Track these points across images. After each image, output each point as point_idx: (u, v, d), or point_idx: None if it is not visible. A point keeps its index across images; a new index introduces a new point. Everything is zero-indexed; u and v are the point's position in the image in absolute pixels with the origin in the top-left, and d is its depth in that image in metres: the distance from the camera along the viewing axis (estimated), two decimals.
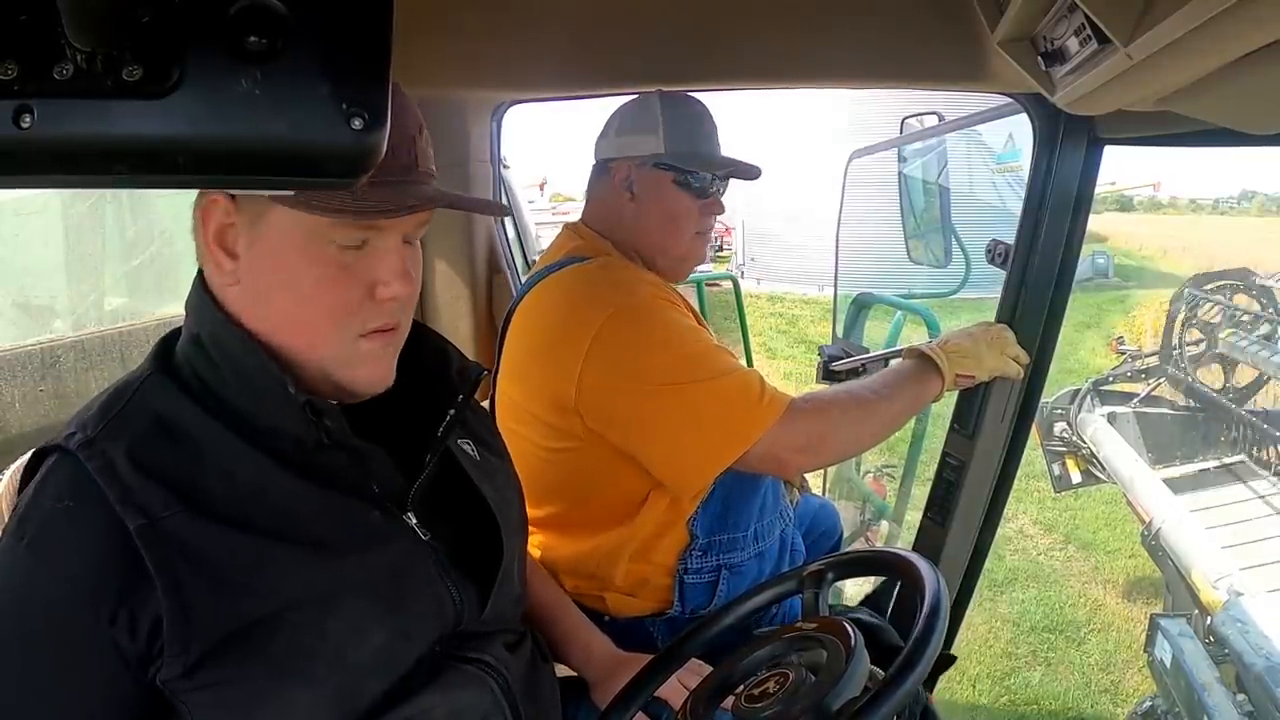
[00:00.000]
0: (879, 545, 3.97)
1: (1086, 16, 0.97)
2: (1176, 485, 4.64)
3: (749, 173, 1.96)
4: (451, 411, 1.20)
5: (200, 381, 1.07)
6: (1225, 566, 3.66)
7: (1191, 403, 5.47)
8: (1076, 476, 5.56)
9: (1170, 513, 4.13)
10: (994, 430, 2.00)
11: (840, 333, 4.19)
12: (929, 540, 2.12)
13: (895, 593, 2.13)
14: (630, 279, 1.79)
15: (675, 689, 1.42)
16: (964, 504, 2.05)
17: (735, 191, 2.03)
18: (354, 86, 0.58)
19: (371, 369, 1.12)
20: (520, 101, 2.44)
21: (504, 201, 2.65)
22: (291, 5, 0.57)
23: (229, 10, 0.56)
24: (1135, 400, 5.66)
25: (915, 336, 3.19)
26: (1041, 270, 1.91)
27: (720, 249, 19.00)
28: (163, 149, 0.58)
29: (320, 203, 0.99)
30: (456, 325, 2.48)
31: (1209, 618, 3.60)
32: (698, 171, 1.89)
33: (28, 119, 0.55)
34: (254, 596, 0.99)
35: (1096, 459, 5.28)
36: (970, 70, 1.69)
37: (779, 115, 15.30)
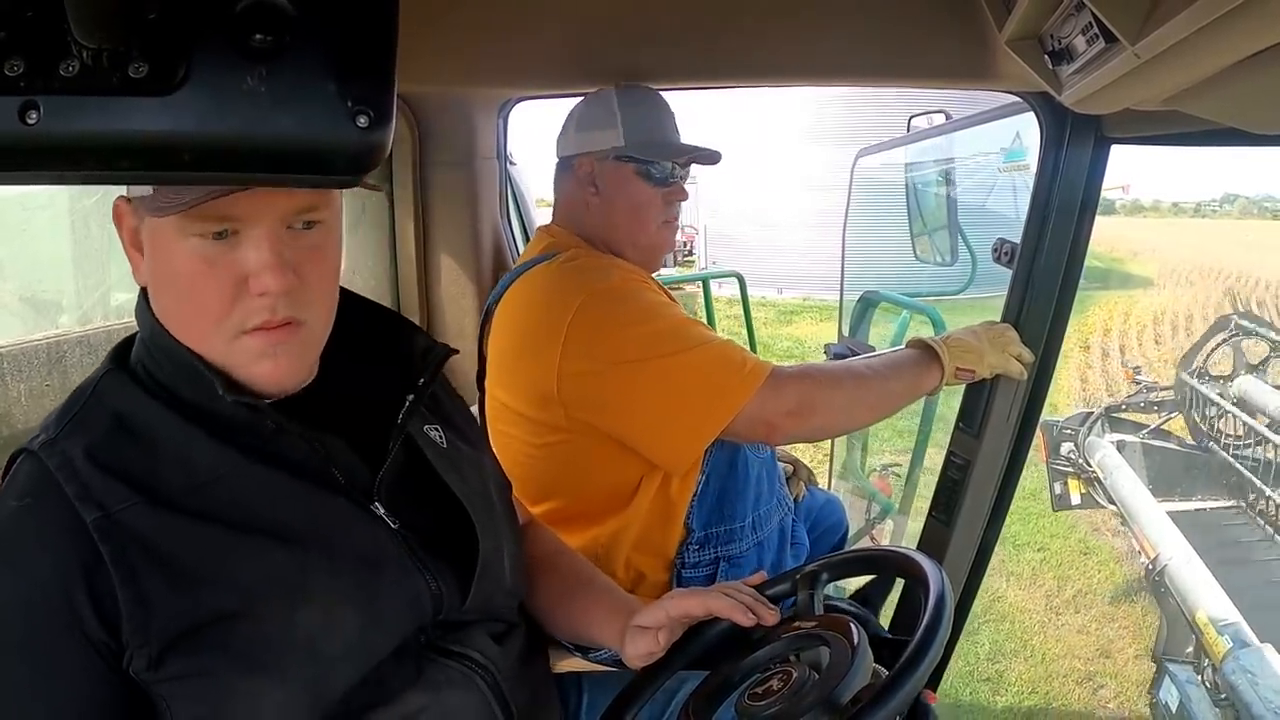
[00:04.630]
0: (884, 543, 3.97)
1: (1094, 15, 0.97)
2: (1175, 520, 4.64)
3: (710, 158, 1.97)
4: (410, 397, 1.17)
5: (152, 378, 1.07)
6: (1232, 612, 3.64)
7: (1198, 442, 5.49)
8: (1076, 498, 5.57)
9: (1177, 551, 4.12)
10: (999, 429, 2.00)
11: (847, 331, 4.19)
12: (934, 538, 2.11)
13: (889, 589, 2.14)
14: (600, 266, 1.80)
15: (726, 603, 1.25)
16: (969, 503, 2.05)
17: (699, 194, 2.04)
18: (359, 84, 0.58)
19: (265, 368, 1.05)
20: (526, 98, 2.45)
21: (510, 200, 2.66)
22: (297, 3, 0.57)
23: (235, 8, 0.56)
24: (1144, 432, 5.67)
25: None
26: (1047, 269, 1.91)
27: (690, 253, 18.78)
28: (168, 145, 0.58)
29: (162, 199, 0.96)
30: (462, 322, 2.49)
31: (1207, 659, 3.60)
32: (657, 160, 1.90)
33: (34, 115, 0.55)
34: (216, 587, 0.98)
35: (1100, 484, 5.28)
36: (977, 69, 1.69)
37: (741, 118, 15.25)
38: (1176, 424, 5.77)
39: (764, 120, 15.25)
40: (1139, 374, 6.43)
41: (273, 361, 1.05)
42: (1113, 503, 5.12)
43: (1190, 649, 3.83)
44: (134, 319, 1.11)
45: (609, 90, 1.91)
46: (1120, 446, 5.43)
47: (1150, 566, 4.19)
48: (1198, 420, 5.54)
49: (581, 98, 1.98)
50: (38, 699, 0.96)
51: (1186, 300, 17.04)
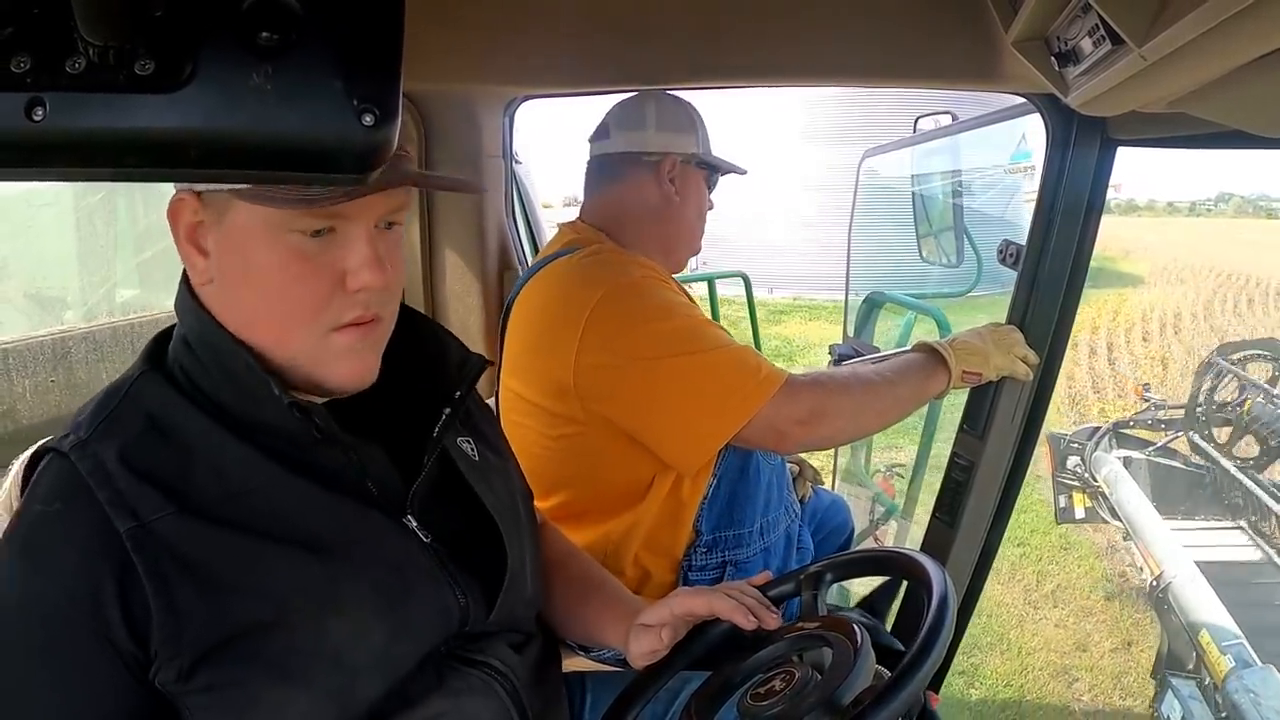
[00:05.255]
0: (888, 544, 3.97)
1: (1100, 17, 0.97)
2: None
3: (739, 171, 2.08)
4: (447, 410, 1.17)
5: (190, 380, 1.05)
6: (1235, 631, 3.64)
7: (1203, 462, 5.49)
8: (1080, 512, 5.55)
9: (1183, 569, 4.11)
10: (1003, 431, 2.00)
11: (852, 331, 4.19)
12: (937, 540, 2.12)
13: (895, 596, 2.14)
14: (622, 261, 1.81)
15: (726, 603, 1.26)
16: (973, 504, 2.05)
17: None
18: (365, 82, 0.58)
19: (349, 365, 1.07)
20: (532, 97, 2.45)
21: (515, 199, 2.66)
22: (304, 1, 0.57)
23: (241, 5, 0.56)
24: (1150, 449, 5.67)
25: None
26: (1053, 271, 1.91)
27: None
28: (174, 143, 0.58)
29: (279, 194, 0.96)
30: (467, 321, 2.49)
31: (1208, 676, 3.60)
32: (718, 172, 1.99)
33: (40, 112, 0.55)
34: (248, 598, 0.97)
35: (1105, 499, 5.28)
36: (984, 70, 1.69)
37: (732, 118, 15.16)
38: (1183, 442, 5.76)
39: (755, 120, 15.22)
40: (1147, 390, 6.40)
41: (358, 358, 1.08)
42: (1117, 518, 5.12)
43: (1191, 665, 3.83)
44: (138, 315, 1.11)
45: (683, 98, 1.99)
46: (1127, 463, 5.42)
47: (1154, 583, 4.19)
48: (1203, 441, 5.53)
49: (612, 97, 2.02)
50: (58, 705, 0.95)
51: (1176, 298, 17.17)
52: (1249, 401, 5.28)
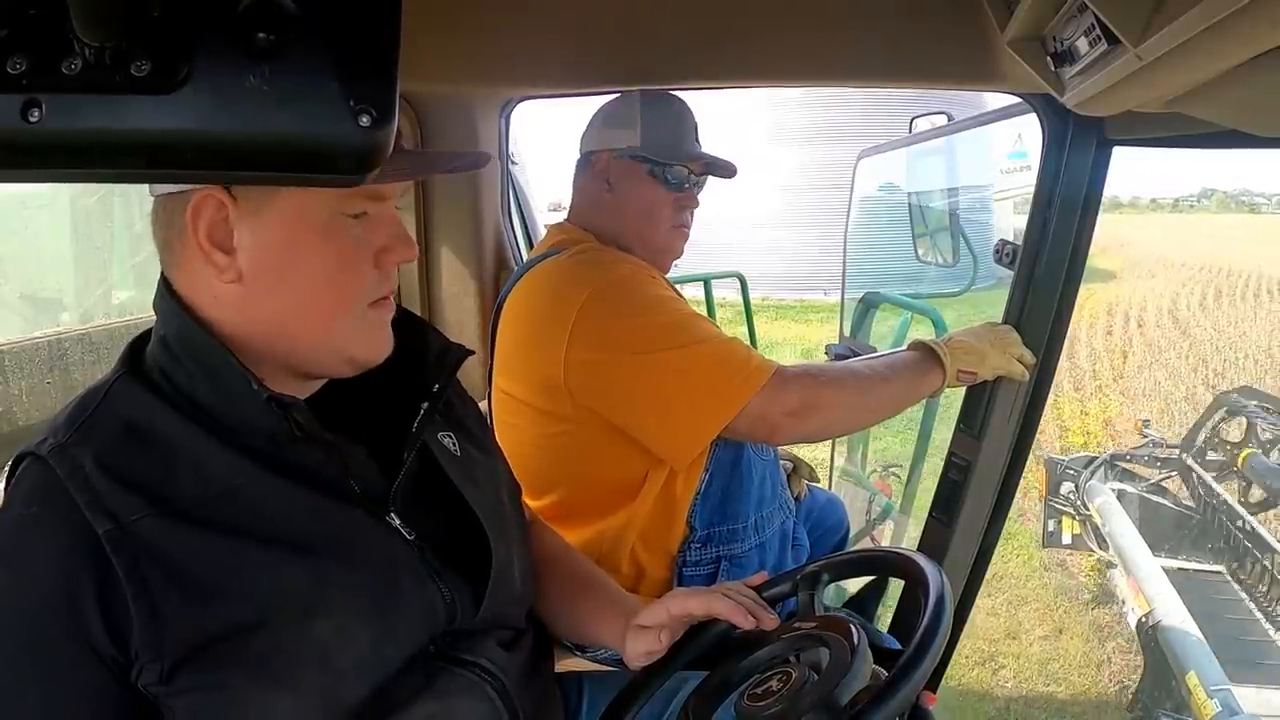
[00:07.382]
0: (884, 544, 3.97)
1: (1096, 17, 0.97)
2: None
3: (726, 170, 2.01)
4: (425, 405, 1.16)
5: (169, 382, 1.04)
6: (1223, 676, 3.62)
7: (1193, 504, 5.50)
8: (1067, 538, 5.56)
9: (1173, 608, 4.10)
10: (1000, 430, 2.00)
11: (848, 331, 4.19)
12: (934, 540, 2.12)
13: (883, 594, 2.14)
14: (609, 259, 1.82)
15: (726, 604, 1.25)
16: (970, 504, 2.05)
17: None
18: (362, 83, 0.58)
19: (381, 338, 1.11)
20: (529, 98, 2.44)
21: (511, 200, 2.67)
22: (300, 2, 0.57)
23: (238, 6, 0.56)
24: (1144, 484, 5.67)
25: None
26: (1049, 271, 1.91)
27: None
28: (171, 144, 0.58)
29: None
30: (462, 321, 2.49)
31: (1191, 718, 3.61)
32: (670, 164, 1.92)
33: (36, 113, 0.55)
34: (230, 600, 0.96)
35: (1095, 528, 5.28)
36: (979, 70, 1.69)
37: (704, 120, 14.97)
38: (1175, 481, 5.76)
39: (727, 121, 15.22)
40: (1147, 426, 6.40)
41: (385, 331, 1.13)
42: (1104, 547, 5.13)
43: (1172, 705, 3.84)
44: (134, 317, 1.10)
45: (634, 94, 1.95)
46: (1120, 495, 5.42)
47: (1143, 620, 4.17)
48: (1196, 484, 5.54)
49: (596, 98, 2.01)
50: (38, 707, 0.95)
51: (1143, 292, 17.47)
52: (1244, 453, 5.29)
